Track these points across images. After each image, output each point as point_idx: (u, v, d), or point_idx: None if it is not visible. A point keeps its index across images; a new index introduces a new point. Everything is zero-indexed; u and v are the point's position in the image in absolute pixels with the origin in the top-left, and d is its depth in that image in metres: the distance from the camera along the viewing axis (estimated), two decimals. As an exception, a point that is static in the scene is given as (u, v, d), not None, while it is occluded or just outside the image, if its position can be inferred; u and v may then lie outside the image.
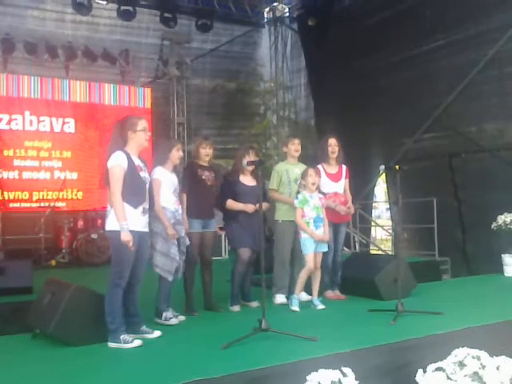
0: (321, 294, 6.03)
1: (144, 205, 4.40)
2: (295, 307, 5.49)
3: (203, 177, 5.59)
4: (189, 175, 5.51)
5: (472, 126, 9.63)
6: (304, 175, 5.66)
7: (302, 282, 5.63)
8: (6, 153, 11.16)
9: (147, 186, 4.48)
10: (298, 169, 5.98)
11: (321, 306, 5.56)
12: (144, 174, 4.44)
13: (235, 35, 14.40)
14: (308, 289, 5.81)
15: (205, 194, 5.58)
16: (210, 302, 5.69)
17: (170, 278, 5.00)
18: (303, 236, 5.58)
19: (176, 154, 5.18)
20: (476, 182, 9.32)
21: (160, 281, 5.04)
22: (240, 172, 5.83)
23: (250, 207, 5.65)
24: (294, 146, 6.15)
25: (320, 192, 5.93)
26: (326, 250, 5.69)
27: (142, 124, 4.46)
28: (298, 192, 5.69)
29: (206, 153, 5.65)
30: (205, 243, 5.61)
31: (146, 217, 4.45)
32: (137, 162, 4.40)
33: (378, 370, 3.62)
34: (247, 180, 5.83)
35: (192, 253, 5.44)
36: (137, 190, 4.34)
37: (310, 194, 5.61)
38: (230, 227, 5.88)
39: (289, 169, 6.05)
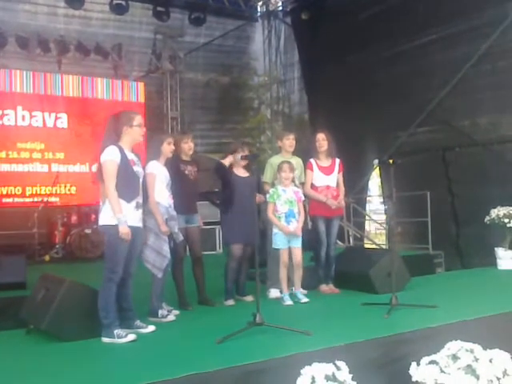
0: (315, 287, 6.06)
1: (137, 199, 4.39)
2: (288, 302, 5.50)
3: (186, 172, 5.57)
4: (172, 171, 5.38)
5: (465, 119, 9.66)
6: (278, 170, 5.69)
7: (283, 279, 5.62)
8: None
9: (141, 180, 4.48)
10: (279, 163, 5.97)
11: (304, 300, 5.55)
12: (137, 169, 4.43)
13: (228, 29, 14.34)
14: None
15: (188, 188, 5.54)
16: (204, 297, 5.69)
17: (160, 275, 4.96)
18: (274, 231, 5.60)
19: (168, 148, 5.16)
20: (469, 176, 9.35)
21: (153, 279, 5.00)
22: (233, 166, 5.84)
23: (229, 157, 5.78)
24: (289, 142, 6.17)
25: (312, 186, 5.96)
26: (299, 245, 5.63)
27: (138, 119, 4.47)
28: (273, 185, 5.71)
29: (189, 147, 5.64)
30: (192, 239, 5.60)
31: (140, 211, 4.45)
32: (130, 156, 4.39)
33: (372, 364, 3.63)
34: (241, 172, 5.84)
35: (179, 249, 5.41)
36: (130, 185, 4.33)
37: (284, 188, 5.62)
38: (223, 222, 5.89)
39: (283, 162, 6.05)
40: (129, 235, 4.16)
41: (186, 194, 5.48)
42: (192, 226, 5.59)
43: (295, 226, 5.58)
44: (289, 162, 5.73)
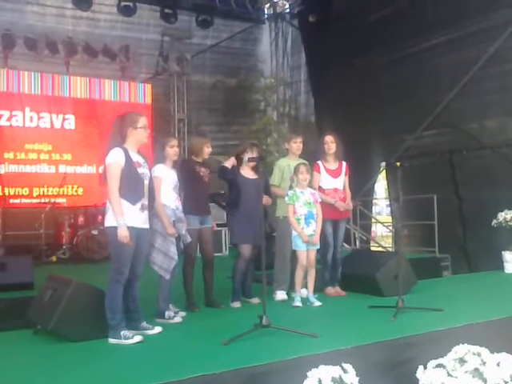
0: (321, 290, 6.05)
1: (142, 201, 4.39)
2: (297, 303, 5.50)
3: (201, 173, 5.61)
4: (187, 172, 5.48)
5: (473, 122, 9.63)
6: (296, 172, 5.68)
7: (299, 280, 5.63)
8: (6, 155, 11.16)
9: (146, 182, 4.47)
10: (295, 165, 5.98)
11: (317, 303, 5.55)
12: (143, 171, 4.43)
13: (236, 31, 14.38)
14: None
15: (202, 190, 5.61)
16: (211, 299, 5.69)
17: (168, 277, 4.98)
18: (294, 233, 5.61)
19: (170, 151, 5.16)
20: (476, 179, 9.32)
21: (160, 280, 5.02)
22: (240, 167, 5.85)
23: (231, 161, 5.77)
24: (296, 145, 6.18)
25: (320, 189, 5.97)
26: (317, 247, 5.68)
27: (143, 121, 4.47)
28: (291, 187, 5.71)
29: (208, 151, 5.70)
30: (204, 239, 5.62)
31: (145, 213, 4.44)
32: (135, 158, 4.39)
33: (379, 367, 3.62)
34: (248, 174, 5.85)
35: (191, 250, 5.44)
36: (135, 187, 4.33)
37: (301, 190, 5.62)
38: (231, 223, 5.88)
39: (291, 164, 6.05)
40: (127, 238, 4.15)
41: (201, 196, 5.56)
42: (206, 227, 5.63)
43: (313, 228, 5.58)
44: (305, 164, 5.74)
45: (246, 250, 5.71)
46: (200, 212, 5.53)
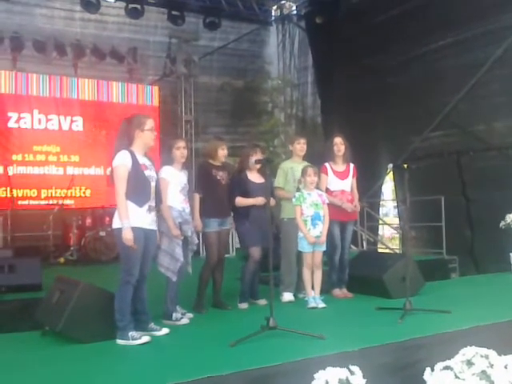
0: (328, 292, 6.05)
1: (149, 203, 4.41)
2: (312, 304, 5.52)
3: (218, 177, 5.64)
4: (204, 176, 5.55)
5: (481, 124, 9.60)
6: (303, 174, 5.71)
7: (307, 281, 5.65)
8: (14, 157, 11.21)
9: (153, 184, 4.49)
10: (303, 167, 5.99)
11: (321, 305, 5.54)
12: (149, 173, 4.45)
13: (243, 33, 14.38)
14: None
15: (221, 193, 5.64)
16: (219, 300, 5.71)
17: (174, 279, 5.00)
18: (300, 234, 5.63)
19: (177, 153, 5.18)
20: (484, 181, 9.28)
21: (167, 282, 5.05)
22: (247, 170, 5.85)
23: (260, 199, 5.64)
24: (300, 146, 6.19)
25: (327, 191, 5.97)
26: (323, 249, 5.69)
27: (150, 123, 4.49)
28: (298, 189, 5.72)
29: (224, 154, 5.72)
30: (220, 241, 5.66)
31: (153, 215, 4.47)
32: (142, 160, 4.41)
33: (386, 369, 3.62)
34: (255, 177, 5.85)
35: (212, 253, 5.51)
36: (141, 189, 4.35)
37: (308, 192, 5.63)
38: (240, 226, 5.88)
39: (294, 167, 6.07)
40: (131, 241, 4.18)
41: (219, 199, 5.60)
42: (224, 228, 5.70)
43: (320, 229, 5.59)
44: (313, 167, 5.76)
45: (255, 251, 5.72)
46: (219, 215, 5.60)
